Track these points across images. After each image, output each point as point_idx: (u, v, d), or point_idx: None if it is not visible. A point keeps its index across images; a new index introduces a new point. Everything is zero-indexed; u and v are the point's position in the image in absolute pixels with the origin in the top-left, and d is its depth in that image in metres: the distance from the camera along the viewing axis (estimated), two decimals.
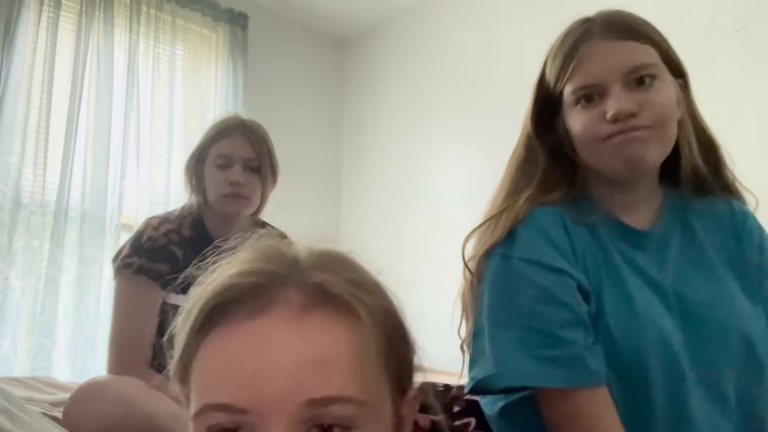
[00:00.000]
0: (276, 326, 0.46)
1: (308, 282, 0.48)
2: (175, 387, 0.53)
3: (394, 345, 0.52)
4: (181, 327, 0.51)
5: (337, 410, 0.45)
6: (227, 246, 0.55)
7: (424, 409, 0.76)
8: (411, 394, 0.55)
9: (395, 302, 0.54)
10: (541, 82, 0.90)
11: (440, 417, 0.80)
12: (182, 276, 0.56)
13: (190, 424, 0.48)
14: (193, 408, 0.48)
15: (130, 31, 2.77)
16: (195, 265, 0.56)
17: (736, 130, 1.23)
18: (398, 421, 0.53)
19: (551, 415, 0.78)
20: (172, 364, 0.52)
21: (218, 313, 0.48)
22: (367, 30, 3.54)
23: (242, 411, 0.44)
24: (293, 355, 0.45)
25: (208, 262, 0.54)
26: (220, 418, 0.45)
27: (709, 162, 0.90)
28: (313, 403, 0.44)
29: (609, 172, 0.84)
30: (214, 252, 0.55)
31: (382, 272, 0.55)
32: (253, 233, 0.56)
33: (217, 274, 0.51)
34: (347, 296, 0.49)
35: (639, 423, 0.76)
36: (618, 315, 0.80)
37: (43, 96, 2.47)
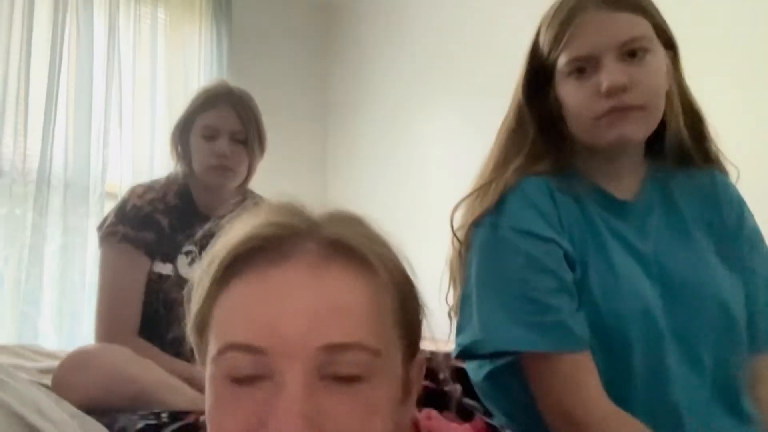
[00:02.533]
0: (295, 274, 0.47)
1: (326, 235, 0.50)
2: (191, 338, 0.54)
3: (407, 302, 0.54)
4: (200, 278, 0.52)
5: (351, 357, 0.46)
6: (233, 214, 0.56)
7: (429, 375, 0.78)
8: (419, 357, 0.56)
9: (406, 263, 0.55)
10: (534, 51, 0.90)
11: (450, 386, 0.82)
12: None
13: (209, 369, 0.49)
14: (212, 352, 0.48)
15: None
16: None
17: (721, 101, 1.24)
18: (407, 382, 0.54)
19: (535, 379, 0.81)
20: (191, 315, 0.53)
21: (239, 262, 0.49)
22: None
23: (260, 351, 0.45)
24: (311, 299, 0.46)
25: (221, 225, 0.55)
26: (239, 359, 0.46)
27: (694, 134, 0.91)
28: (329, 348, 0.45)
29: (597, 145, 0.85)
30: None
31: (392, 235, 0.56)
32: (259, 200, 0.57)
33: (237, 228, 0.51)
34: (364, 249, 0.50)
35: (619, 386, 0.79)
36: (601, 282, 0.82)
37: (21, 61, 2.41)
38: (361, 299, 0.48)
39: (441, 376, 0.94)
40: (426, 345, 0.93)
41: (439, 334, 0.93)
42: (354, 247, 0.49)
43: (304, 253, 0.49)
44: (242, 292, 0.48)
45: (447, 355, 0.93)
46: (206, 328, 0.51)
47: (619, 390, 0.78)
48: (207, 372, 0.49)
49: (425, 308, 0.57)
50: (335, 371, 0.46)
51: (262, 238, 0.49)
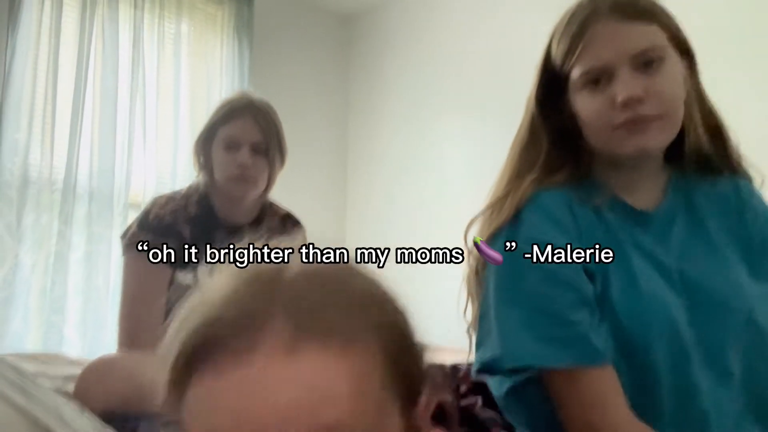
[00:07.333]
0: (265, 366, 0.43)
1: (297, 311, 0.45)
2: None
3: (400, 360, 0.49)
4: (164, 359, 0.48)
5: None
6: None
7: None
8: (422, 402, 0.53)
9: (399, 308, 0.51)
10: (546, 63, 0.88)
11: (448, 398, 0.80)
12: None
13: None
14: None
15: (135, 8, 2.75)
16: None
17: (742, 107, 1.22)
18: (411, 429, 0.51)
19: (557, 394, 0.79)
20: (161, 396, 0.49)
21: (203, 351, 0.45)
22: (375, 6, 3.49)
23: None
24: (286, 390, 0.42)
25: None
26: None
27: (714, 141, 0.90)
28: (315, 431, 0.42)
29: (616, 156, 0.84)
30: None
31: (383, 274, 0.52)
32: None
33: (198, 306, 0.47)
34: (342, 323, 0.45)
35: (645, 401, 0.77)
36: (623, 295, 0.80)
37: (49, 73, 2.47)
38: (342, 381, 0.44)
39: (462, 389, 0.92)
40: (447, 355, 0.93)
41: (460, 343, 0.92)
42: (329, 323, 0.45)
43: (271, 337, 0.44)
44: (210, 392, 0.44)
45: (468, 368, 0.92)
46: (180, 406, 0.46)
47: (644, 404, 0.77)
48: None
49: (424, 351, 0.53)
50: None
51: (223, 324, 0.44)
